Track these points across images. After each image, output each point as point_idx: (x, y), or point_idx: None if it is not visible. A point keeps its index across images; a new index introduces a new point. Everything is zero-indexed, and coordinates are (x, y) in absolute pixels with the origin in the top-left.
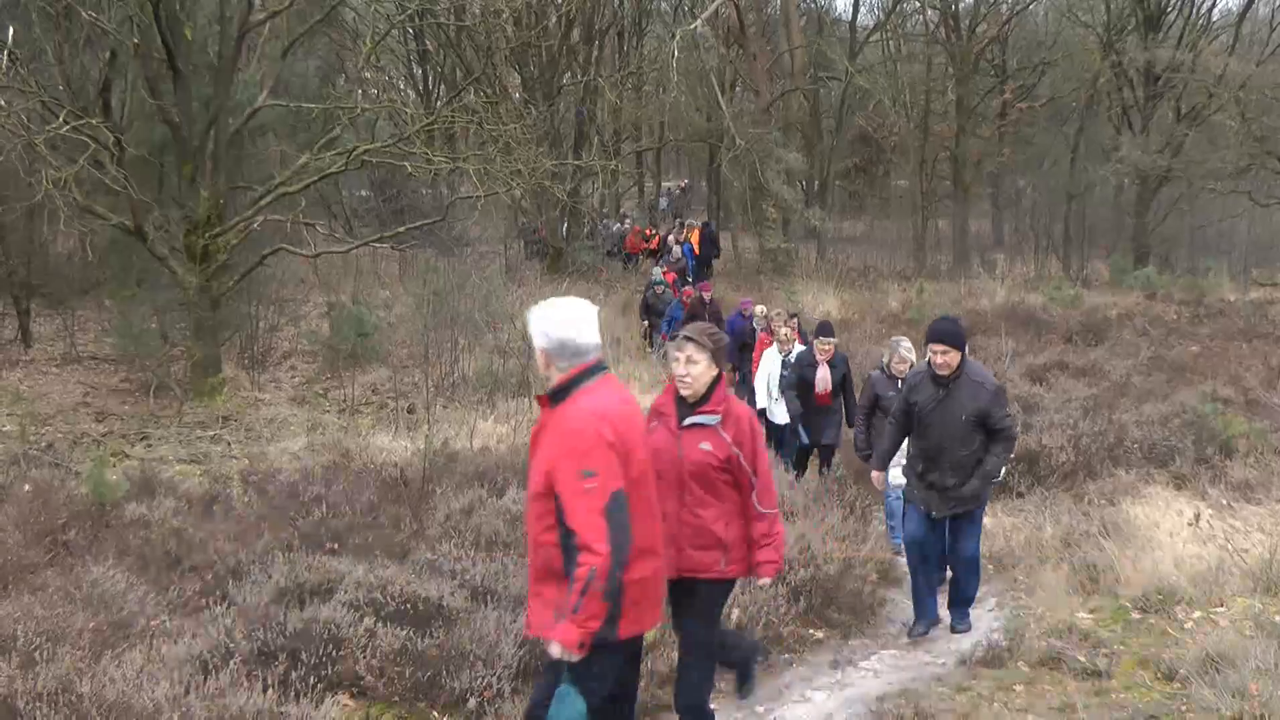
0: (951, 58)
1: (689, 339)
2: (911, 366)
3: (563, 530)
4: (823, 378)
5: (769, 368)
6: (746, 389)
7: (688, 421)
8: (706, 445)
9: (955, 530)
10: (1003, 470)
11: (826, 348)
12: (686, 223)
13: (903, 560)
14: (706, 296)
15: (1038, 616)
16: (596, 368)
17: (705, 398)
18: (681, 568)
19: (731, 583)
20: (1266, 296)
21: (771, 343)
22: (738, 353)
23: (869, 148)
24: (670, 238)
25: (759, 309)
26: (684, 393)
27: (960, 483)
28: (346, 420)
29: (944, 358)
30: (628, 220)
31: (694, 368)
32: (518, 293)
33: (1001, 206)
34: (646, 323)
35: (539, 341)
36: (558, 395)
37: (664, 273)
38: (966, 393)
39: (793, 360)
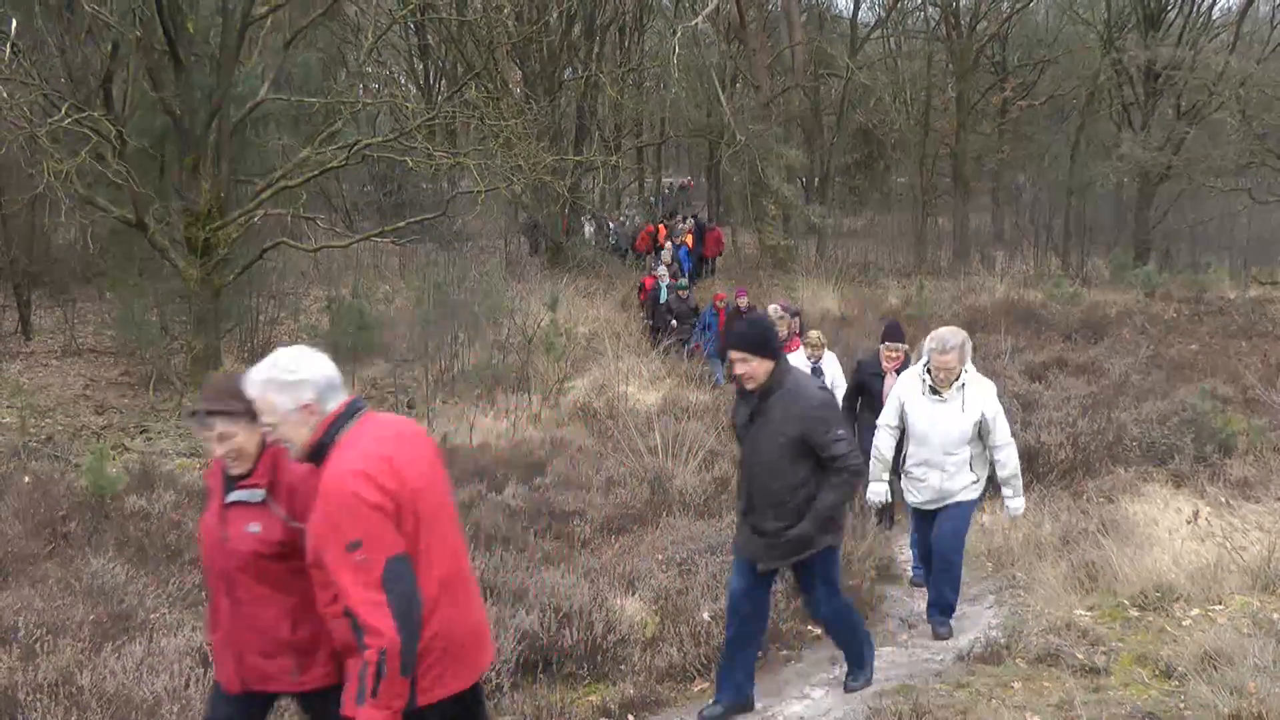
0: (952, 54)
1: (212, 413)
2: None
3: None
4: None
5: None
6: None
7: (230, 499)
8: (255, 527)
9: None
10: (844, 509)
11: (895, 354)
12: (679, 225)
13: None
14: (743, 304)
15: (1036, 613)
16: (351, 409)
17: (250, 470)
18: (245, 679)
19: (325, 693)
20: (1266, 294)
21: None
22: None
23: (869, 144)
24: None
25: (772, 308)
26: (231, 471)
27: (785, 526)
28: None
29: (743, 367)
30: (637, 217)
31: (230, 443)
32: (518, 288)
33: (1002, 203)
34: (650, 321)
35: (281, 404)
36: (316, 455)
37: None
38: (780, 409)
39: (824, 367)
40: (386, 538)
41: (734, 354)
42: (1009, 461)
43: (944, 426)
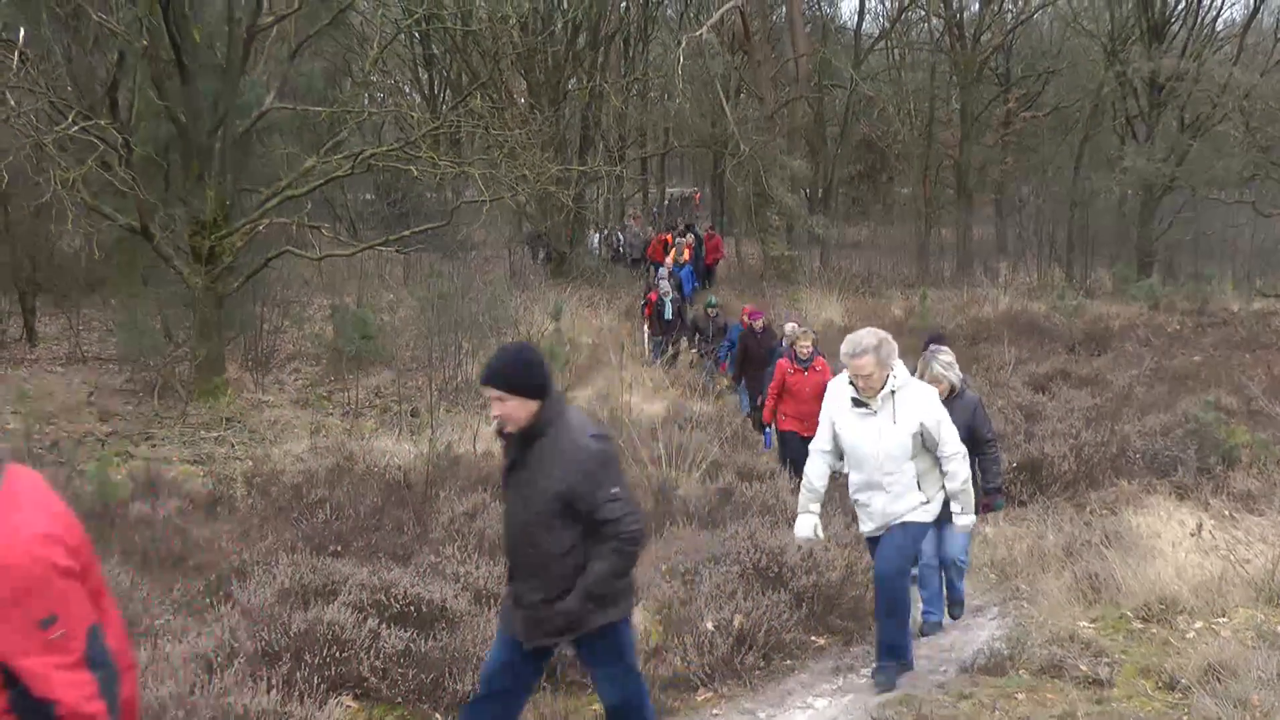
0: (956, 66)
1: None
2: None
3: (24, 702)
4: None
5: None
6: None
7: None
8: None
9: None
10: (616, 584)
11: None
12: (678, 241)
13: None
14: (758, 325)
15: (1039, 625)
16: None
17: None
18: None
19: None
20: (1270, 307)
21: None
22: (741, 364)
23: (873, 155)
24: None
25: (789, 326)
26: None
27: (547, 599)
28: (350, 423)
29: (499, 407)
30: (650, 227)
31: None
32: (522, 297)
33: (1005, 214)
34: (659, 338)
35: None
36: None
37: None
38: (544, 460)
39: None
40: (81, 603)
41: (488, 390)
42: (958, 473)
43: (877, 442)
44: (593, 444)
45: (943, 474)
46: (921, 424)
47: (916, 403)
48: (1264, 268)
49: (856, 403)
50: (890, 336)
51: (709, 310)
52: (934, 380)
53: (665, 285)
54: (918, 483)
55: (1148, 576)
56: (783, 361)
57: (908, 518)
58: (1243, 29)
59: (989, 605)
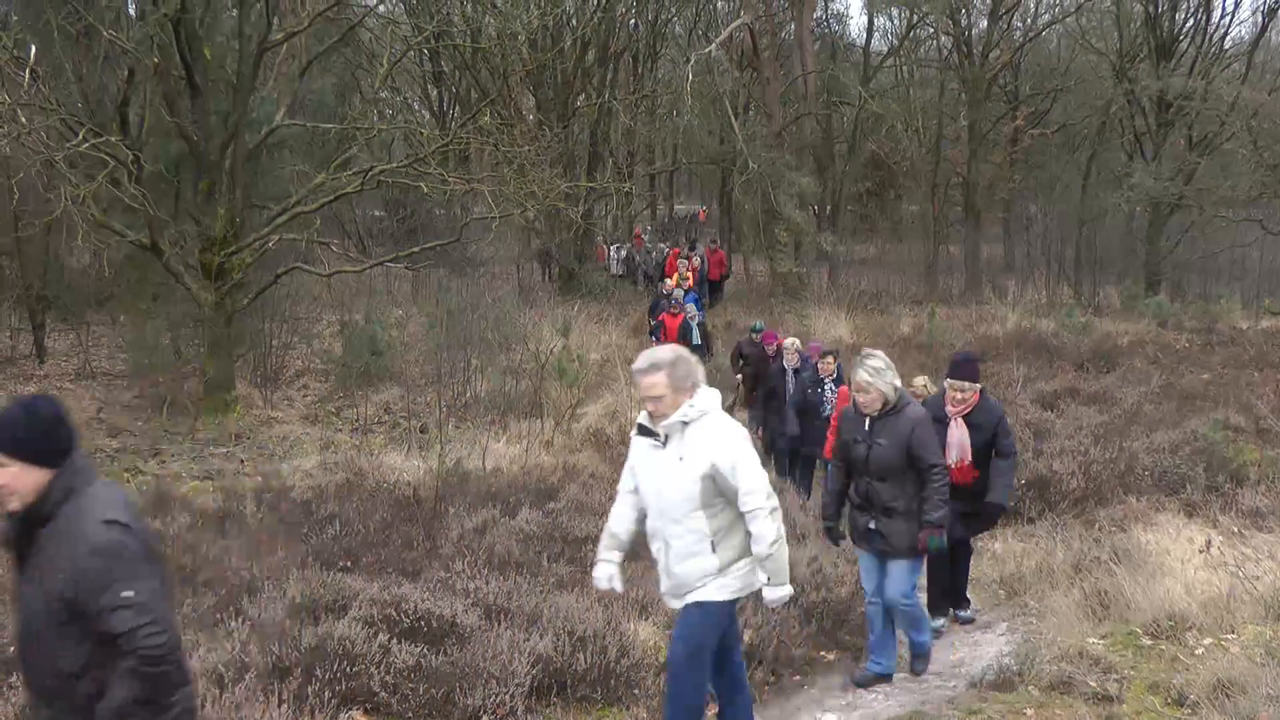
0: (964, 83)
1: None
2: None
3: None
4: (958, 442)
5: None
6: (757, 420)
7: None
8: None
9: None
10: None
11: (964, 396)
12: (681, 261)
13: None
14: (769, 349)
15: (1048, 641)
16: None
17: None
18: None
19: None
20: (1278, 325)
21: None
22: (751, 379)
23: (881, 172)
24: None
25: (790, 341)
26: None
27: None
28: (359, 439)
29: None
30: (664, 246)
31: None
32: (530, 313)
33: (1013, 232)
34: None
35: None
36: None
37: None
38: (50, 553)
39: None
40: None
41: None
42: (763, 533)
43: (661, 483)
44: (102, 533)
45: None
46: (713, 465)
47: (710, 439)
48: (1272, 286)
49: (644, 431)
50: (688, 356)
51: (754, 335)
52: (858, 389)
53: (692, 308)
54: (712, 544)
55: (1157, 593)
56: (845, 389)
57: (699, 594)
58: (1251, 47)
59: (998, 621)
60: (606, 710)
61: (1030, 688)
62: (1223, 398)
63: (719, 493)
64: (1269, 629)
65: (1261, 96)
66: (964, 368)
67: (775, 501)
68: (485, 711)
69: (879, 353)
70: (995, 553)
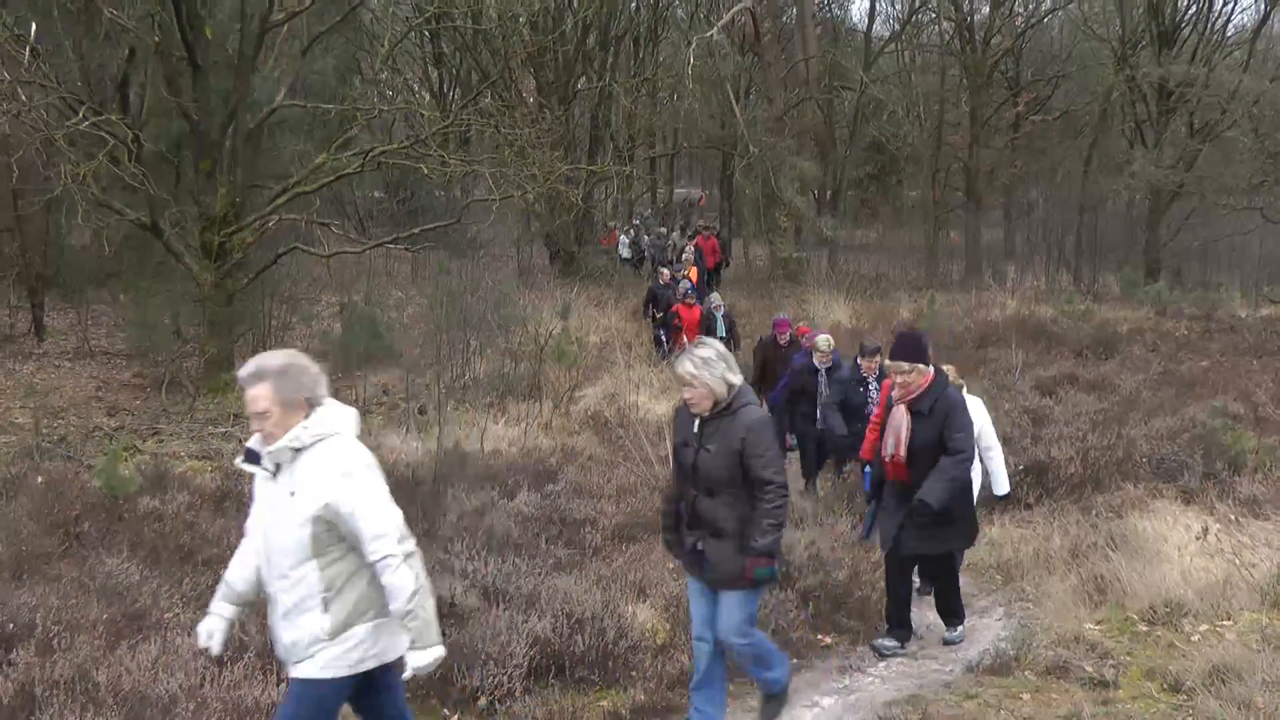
0: (966, 69)
1: None
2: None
3: None
4: (895, 430)
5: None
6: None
7: None
8: None
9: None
10: None
11: (904, 379)
12: (684, 259)
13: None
14: (783, 339)
15: (1045, 626)
16: None
17: None
18: None
19: None
20: (1277, 313)
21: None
22: (760, 379)
23: (882, 157)
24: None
25: (822, 338)
26: None
27: None
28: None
29: None
30: (664, 229)
31: None
32: (530, 296)
33: (1013, 218)
34: (650, 320)
35: None
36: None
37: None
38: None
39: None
40: None
41: None
42: (397, 588)
43: (270, 523)
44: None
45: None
46: (328, 505)
47: (323, 473)
48: (1272, 274)
49: (250, 457)
50: (303, 364)
51: (780, 336)
52: (682, 381)
53: (716, 297)
54: (324, 600)
55: (1153, 580)
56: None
57: (305, 667)
58: (1253, 35)
59: (994, 606)
60: (604, 692)
61: (1027, 672)
62: (1221, 385)
63: (338, 538)
64: (1265, 616)
65: (1263, 84)
66: (904, 345)
67: (411, 544)
68: (483, 692)
69: (710, 340)
70: (993, 538)
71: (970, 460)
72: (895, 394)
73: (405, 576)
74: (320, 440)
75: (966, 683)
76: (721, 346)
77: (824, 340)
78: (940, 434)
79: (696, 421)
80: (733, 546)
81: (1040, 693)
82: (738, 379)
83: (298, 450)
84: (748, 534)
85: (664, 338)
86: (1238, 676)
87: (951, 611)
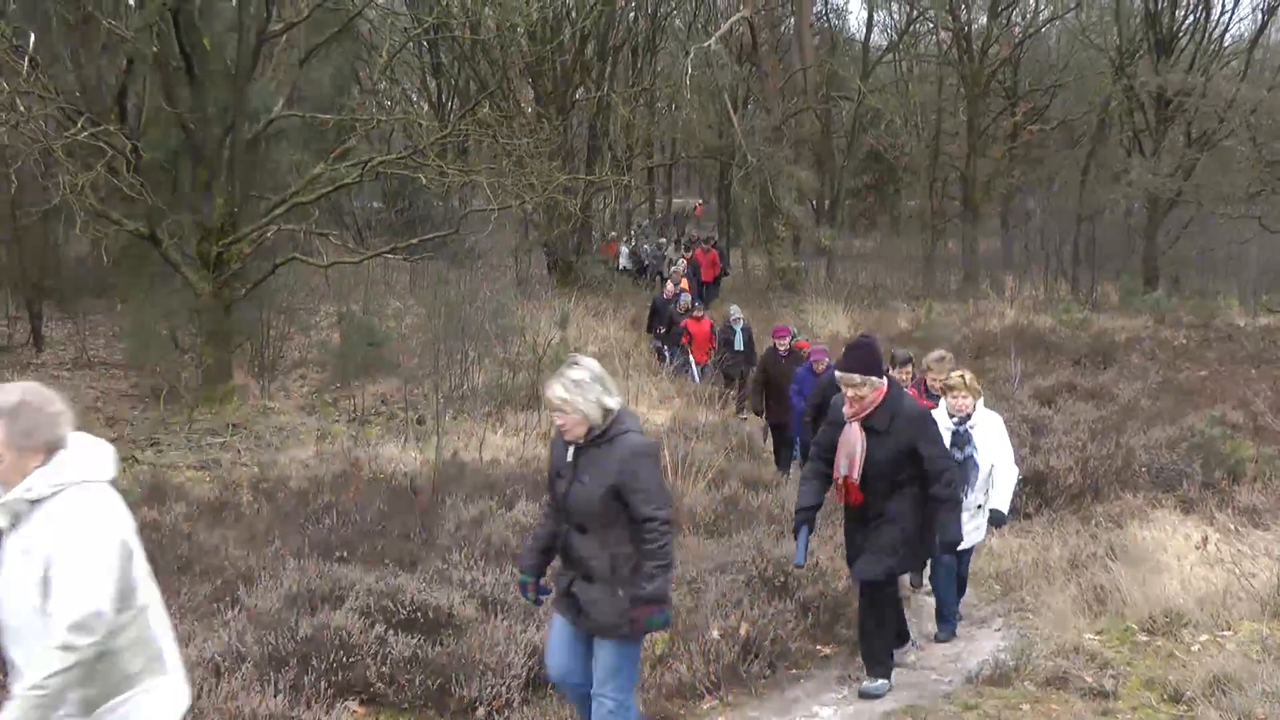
0: (963, 79)
1: None
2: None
3: None
4: (848, 450)
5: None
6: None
7: None
8: None
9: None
10: None
11: (856, 392)
12: (673, 271)
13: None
14: (783, 346)
15: (1044, 637)
16: None
17: None
18: None
19: None
20: (1276, 322)
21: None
22: (763, 392)
23: (880, 167)
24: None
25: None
26: None
27: None
28: (356, 430)
29: None
30: (663, 240)
31: None
32: (528, 306)
33: (1011, 227)
34: (655, 336)
35: None
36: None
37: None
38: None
39: (968, 430)
40: None
41: None
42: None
43: (4, 583)
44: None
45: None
46: (45, 575)
47: (46, 535)
48: (1270, 283)
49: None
50: (38, 402)
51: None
52: (550, 406)
53: (736, 309)
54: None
55: (1153, 589)
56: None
57: None
58: (1250, 44)
59: (993, 616)
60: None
61: (1026, 683)
62: (1220, 394)
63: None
64: (1265, 626)
65: (1260, 93)
66: (854, 355)
67: (70, 640)
68: (481, 703)
69: (584, 360)
70: (992, 548)
71: (952, 470)
72: (846, 410)
73: (61, 660)
74: (60, 491)
75: (966, 693)
76: (597, 366)
77: (784, 342)
78: (898, 453)
79: (571, 450)
80: (607, 591)
81: (1040, 703)
82: (615, 402)
83: (34, 502)
84: (633, 578)
85: (665, 351)
86: (1238, 687)
87: (873, 655)
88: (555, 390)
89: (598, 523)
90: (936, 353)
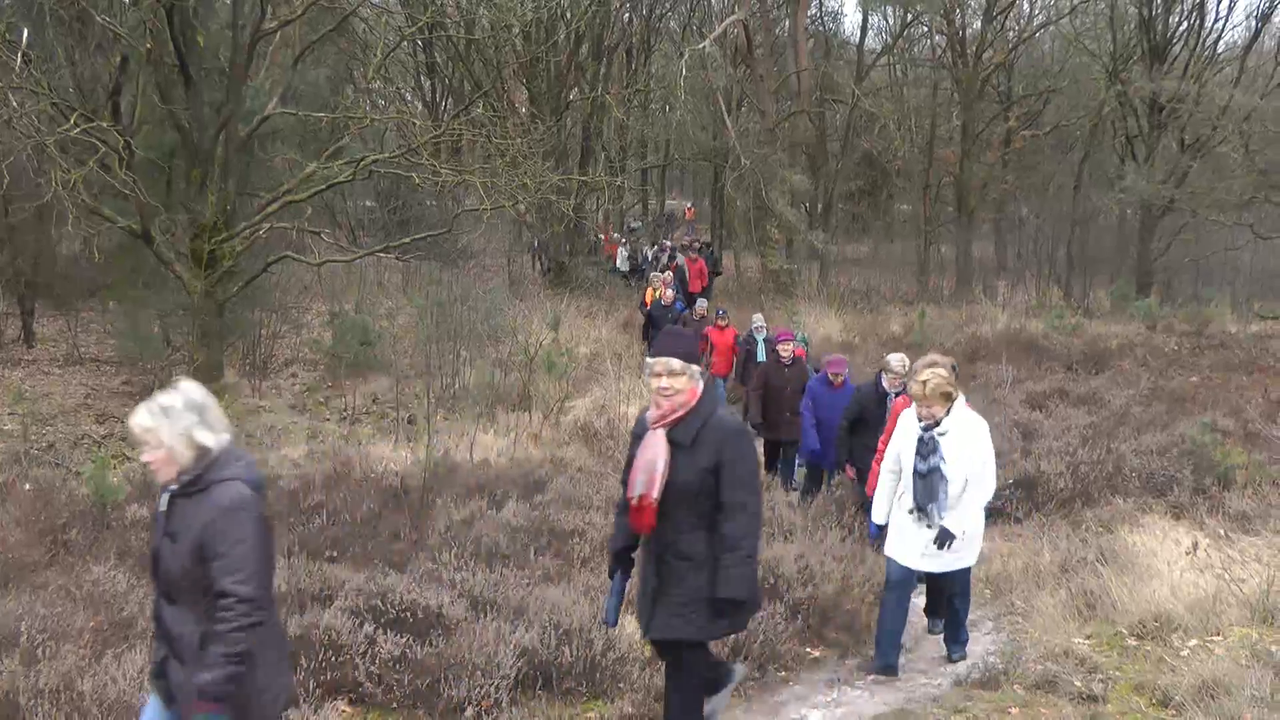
0: (957, 83)
1: None
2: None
3: None
4: (646, 464)
5: (903, 443)
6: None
7: None
8: None
9: None
10: None
11: (663, 385)
12: (654, 276)
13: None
14: (785, 351)
15: (1034, 641)
16: None
17: None
18: None
19: None
20: (1268, 329)
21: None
22: (763, 401)
23: (873, 171)
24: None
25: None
26: None
27: None
28: (347, 429)
29: None
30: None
31: None
32: (520, 306)
33: (1004, 233)
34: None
35: None
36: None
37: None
38: None
39: (934, 437)
40: None
41: None
42: None
43: None
44: None
45: None
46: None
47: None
48: (1262, 290)
49: None
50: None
51: (781, 349)
52: (133, 439)
53: (759, 318)
54: None
55: (1143, 594)
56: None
57: None
58: (1244, 51)
59: (983, 620)
60: (591, 703)
61: (1015, 686)
62: (1211, 401)
63: None
64: (1254, 631)
65: (1254, 100)
66: (666, 341)
67: None
68: (470, 703)
69: (186, 384)
70: (982, 553)
71: (754, 511)
72: (651, 414)
73: None
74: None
75: (955, 697)
76: (198, 393)
77: (898, 360)
78: (705, 478)
79: (165, 497)
80: (194, 675)
81: (1029, 707)
82: (213, 440)
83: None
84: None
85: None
86: (1227, 692)
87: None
88: (138, 417)
89: (186, 591)
90: (896, 355)
